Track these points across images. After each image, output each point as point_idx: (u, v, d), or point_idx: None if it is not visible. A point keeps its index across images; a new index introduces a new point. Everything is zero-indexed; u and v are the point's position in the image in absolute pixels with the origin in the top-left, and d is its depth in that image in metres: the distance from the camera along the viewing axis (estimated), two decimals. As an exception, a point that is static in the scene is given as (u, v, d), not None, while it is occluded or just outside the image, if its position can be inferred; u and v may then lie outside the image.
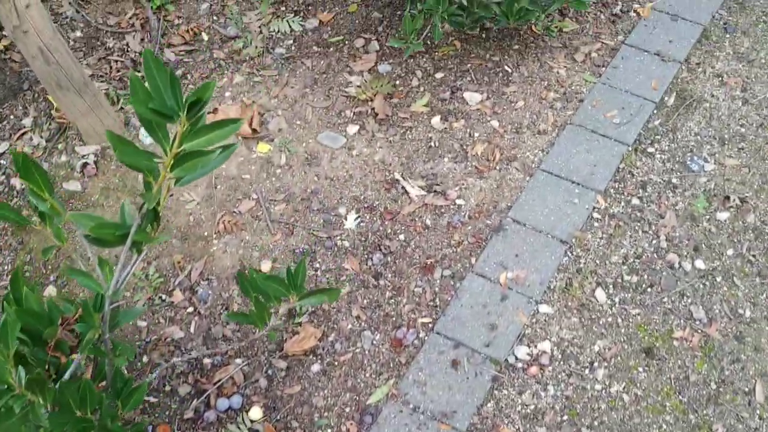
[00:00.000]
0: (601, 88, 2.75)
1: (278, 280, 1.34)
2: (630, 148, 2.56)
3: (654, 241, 2.32)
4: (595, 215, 2.39)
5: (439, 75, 2.83)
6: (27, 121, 2.71)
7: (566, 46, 2.92)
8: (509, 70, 2.84)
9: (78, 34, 3.02)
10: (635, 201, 2.42)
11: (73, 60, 2.30)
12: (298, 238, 2.39)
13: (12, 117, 2.74)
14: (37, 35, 2.14)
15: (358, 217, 2.44)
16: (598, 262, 2.28)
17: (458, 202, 2.46)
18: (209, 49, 2.96)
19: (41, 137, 2.65)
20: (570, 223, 2.36)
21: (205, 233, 2.41)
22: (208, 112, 2.64)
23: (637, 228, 2.36)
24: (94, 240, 1.19)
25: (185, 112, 1.05)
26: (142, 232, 1.18)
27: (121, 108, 2.74)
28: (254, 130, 2.62)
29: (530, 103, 2.73)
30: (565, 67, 2.84)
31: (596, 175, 2.48)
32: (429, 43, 2.92)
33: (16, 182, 2.58)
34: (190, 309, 2.21)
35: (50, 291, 2.29)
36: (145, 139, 2.60)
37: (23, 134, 2.68)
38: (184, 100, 1.04)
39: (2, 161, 2.64)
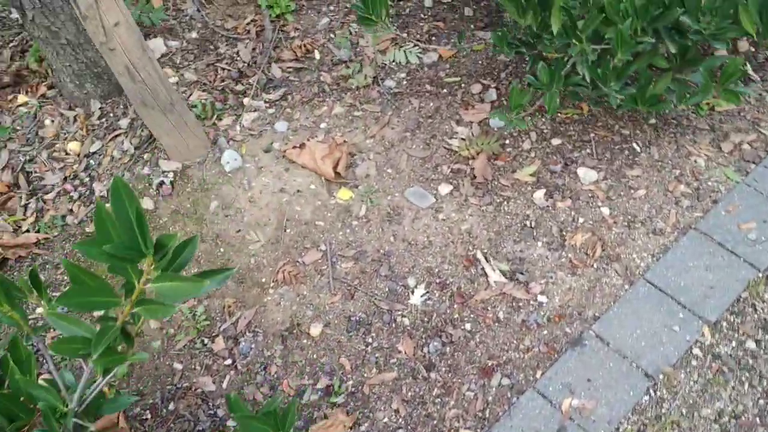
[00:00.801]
0: (743, 190, 2.50)
1: (264, 419, 1.34)
2: (761, 275, 2.31)
3: (762, 401, 2.09)
4: (696, 351, 2.19)
5: (555, 141, 2.70)
6: (124, 122, 2.90)
7: (714, 130, 2.67)
8: (637, 149, 2.65)
9: (194, 35, 3.18)
10: (750, 344, 2.20)
11: (161, 78, 2.42)
12: (357, 304, 2.40)
13: (112, 115, 2.95)
14: (124, 53, 2.27)
15: (427, 292, 2.40)
16: (684, 411, 2.10)
17: (540, 298, 2.35)
18: (318, 70, 3.01)
19: (131, 143, 2.83)
20: (662, 354, 2.18)
21: (263, 280, 2.47)
22: (294, 147, 2.69)
23: (744, 379, 2.14)
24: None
25: (152, 253, 1.05)
26: (110, 353, 1.22)
27: (214, 123, 2.85)
28: (338, 174, 2.63)
29: (653, 194, 2.54)
30: (707, 155, 2.61)
31: (710, 301, 2.27)
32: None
33: (97, 186, 2.77)
34: (228, 361, 2.29)
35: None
36: (227, 165, 2.69)
37: (117, 136, 2.87)
38: (153, 240, 1.05)
39: (91, 161, 2.85)
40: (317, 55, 3.08)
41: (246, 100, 2.94)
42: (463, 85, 2.92)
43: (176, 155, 2.75)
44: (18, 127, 3.04)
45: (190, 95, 2.98)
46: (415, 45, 3.04)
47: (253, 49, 3.13)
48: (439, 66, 3.01)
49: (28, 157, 2.93)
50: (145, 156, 2.83)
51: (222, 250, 2.56)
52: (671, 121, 2.73)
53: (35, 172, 2.89)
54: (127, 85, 2.42)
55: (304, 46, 3.10)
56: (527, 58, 2.55)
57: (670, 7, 2.05)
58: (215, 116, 2.90)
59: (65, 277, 2.60)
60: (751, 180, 2.54)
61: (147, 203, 2.70)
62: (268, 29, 3.14)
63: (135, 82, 2.40)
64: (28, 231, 2.73)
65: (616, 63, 1.98)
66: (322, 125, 2.85)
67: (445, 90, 2.91)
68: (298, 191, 2.67)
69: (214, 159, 2.78)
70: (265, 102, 2.94)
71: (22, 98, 3.12)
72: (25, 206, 2.80)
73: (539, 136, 2.75)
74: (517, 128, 2.74)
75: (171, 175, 2.75)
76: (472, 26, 3.12)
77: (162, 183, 2.71)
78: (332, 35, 3.14)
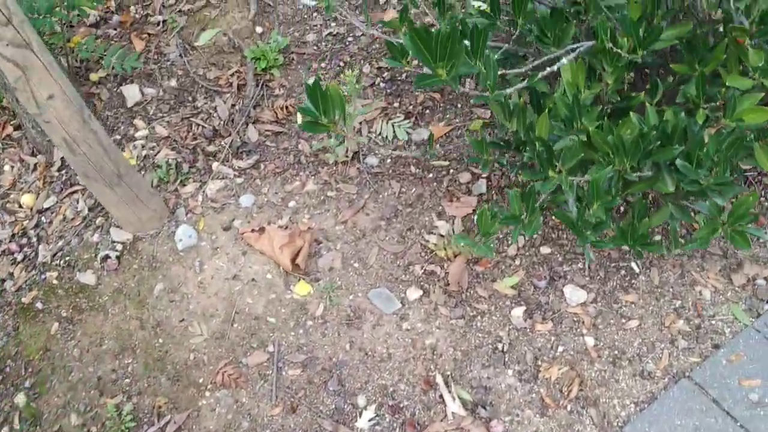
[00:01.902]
0: (751, 336, 2.23)
1: None
2: (757, 446, 2.04)
3: None
4: None
5: (545, 250, 2.46)
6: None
7: (726, 256, 2.40)
8: (636, 269, 2.40)
9: (173, 83, 3.02)
10: None
11: (107, 151, 2.27)
12: (299, 419, 2.21)
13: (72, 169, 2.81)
14: (61, 127, 2.12)
15: (376, 416, 2.21)
16: None
17: (500, 441, 2.12)
18: (297, 136, 2.82)
19: (86, 203, 2.70)
20: None
21: (201, 380, 2.31)
22: (254, 230, 2.51)
23: None
24: None
25: None
26: None
27: (176, 189, 2.69)
28: (296, 266, 2.44)
29: (646, 327, 2.29)
30: (714, 287, 2.34)
31: (693, 471, 2.01)
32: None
33: (43, 250, 2.62)
34: (144, 479, 2.13)
35: (19, 399, 2.31)
36: (179, 242, 2.53)
37: (74, 192, 2.73)
38: None
39: (43, 218, 2.71)
40: (299, 119, 2.89)
41: (215, 165, 2.77)
42: (451, 171, 2.69)
43: (127, 226, 2.60)
44: (-25, 171, 2.93)
45: (158, 153, 2.82)
46: (406, 118, 2.82)
47: (233, 105, 2.95)
48: (428, 145, 2.79)
49: (-22, 208, 2.83)
50: (98, 220, 2.68)
51: (161, 340, 2.40)
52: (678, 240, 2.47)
53: (-18, 227, 2.78)
54: (68, 157, 2.27)
55: (287, 107, 2.91)
56: (515, 159, 2.32)
57: (667, 143, 1.81)
58: (179, 181, 2.74)
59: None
60: (762, 325, 2.27)
61: (89, 278, 2.55)
62: (251, 84, 2.96)
63: (75, 154, 2.25)
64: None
65: (591, 215, 1.74)
66: (291, 203, 2.66)
67: (430, 175, 2.69)
68: (253, 280, 2.49)
69: (169, 233, 2.61)
70: (235, 170, 2.76)
71: (-15, 137, 3.01)
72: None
73: (528, 241, 2.51)
74: (478, 255, 2.51)
75: (120, 247, 2.60)
76: (471, 101, 2.89)
77: (107, 257, 2.56)
78: (319, 97, 2.95)
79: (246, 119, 2.90)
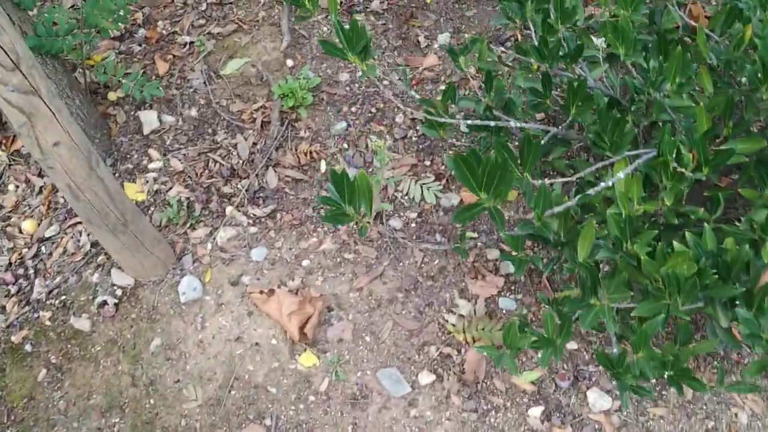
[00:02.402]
0: (788, 472, 2.07)
1: None
2: None
3: None
4: None
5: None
6: (88, 211, 2.63)
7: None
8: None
9: (193, 112, 2.88)
10: None
11: (113, 198, 2.15)
12: (289, 508, 2.08)
13: (78, 197, 2.68)
14: (66, 173, 1.99)
15: None
16: None
17: None
18: (319, 186, 2.68)
19: (89, 238, 2.56)
20: None
21: (190, 453, 2.17)
22: (262, 291, 2.37)
23: None
24: None
25: None
26: None
27: (186, 233, 2.56)
28: (304, 335, 2.31)
29: (674, 447, 2.13)
30: (752, 410, 2.18)
31: None
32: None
33: (38, 285, 2.50)
34: None
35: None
36: (183, 295, 2.40)
37: (78, 223, 2.60)
38: None
39: (43, 248, 2.59)
40: (322, 167, 2.75)
41: (229, 210, 2.64)
42: (479, 245, 2.55)
43: (129, 271, 2.48)
44: (-22, 186, 2.81)
45: (170, 189, 2.69)
46: (436, 179, 2.67)
47: (254, 143, 2.82)
48: (459, 211, 2.64)
49: (-21, 227, 2.71)
50: (99, 258, 2.56)
51: (152, 401, 2.28)
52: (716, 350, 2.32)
53: (-18, 246, 2.66)
54: (71, 202, 2.15)
55: (311, 152, 2.77)
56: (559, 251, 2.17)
57: (726, 276, 1.65)
58: (189, 224, 2.60)
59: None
60: (801, 460, 2.12)
61: (83, 323, 2.43)
62: (275, 123, 2.82)
63: (78, 201, 2.12)
64: (-48, 323, 2.51)
65: (636, 365, 1.59)
66: (305, 262, 2.52)
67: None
68: (256, 345, 2.36)
69: (173, 282, 2.49)
70: (249, 217, 2.63)
71: (-8, 151, 2.89)
72: (-42, 290, 2.58)
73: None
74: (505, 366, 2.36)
75: (119, 293, 2.48)
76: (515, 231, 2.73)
77: (105, 303, 2.43)
78: (346, 145, 2.80)
79: (267, 161, 2.77)
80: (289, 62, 3.04)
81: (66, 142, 2.00)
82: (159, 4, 3.32)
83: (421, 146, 2.80)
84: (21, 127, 1.91)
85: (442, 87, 2.93)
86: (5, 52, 1.72)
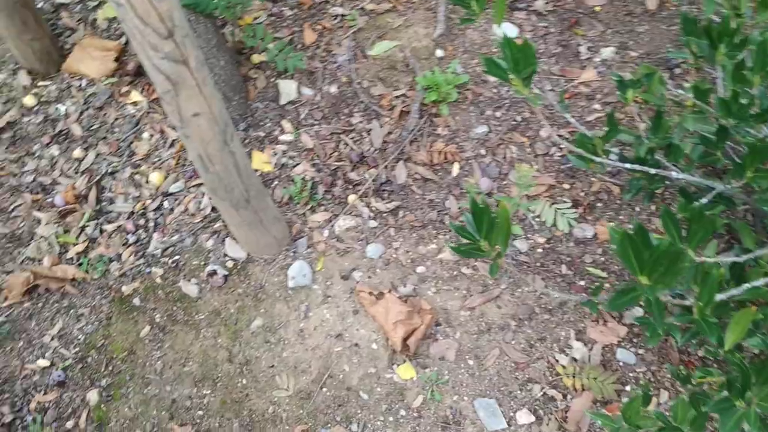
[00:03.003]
0: None
1: None
2: None
3: None
4: None
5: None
6: (214, 174, 2.65)
7: None
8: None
9: (332, 89, 2.84)
10: None
11: (241, 174, 2.14)
12: None
13: (207, 158, 2.70)
14: (200, 144, 1.98)
15: None
16: None
17: None
18: (448, 190, 2.58)
19: (210, 200, 2.57)
20: None
21: (272, 442, 2.17)
22: (371, 293, 2.32)
23: None
24: None
25: None
26: None
27: (304, 214, 2.53)
28: (406, 347, 2.24)
29: None
30: None
31: None
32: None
33: (156, 239, 2.54)
34: None
35: (92, 396, 2.27)
36: (291, 280, 2.37)
37: (202, 184, 2.62)
38: None
39: (166, 203, 2.62)
40: (455, 170, 2.65)
41: (352, 198, 2.59)
42: (606, 286, 2.39)
43: (244, 245, 2.48)
44: (116, 129, 2.88)
45: (297, 165, 2.67)
46: (573, 205, 2.52)
47: (389, 132, 2.74)
48: (590, 246, 2.48)
49: (110, 169, 2.78)
50: (217, 224, 2.57)
51: (244, 381, 2.29)
52: None
53: (110, 189, 2.73)
54: (200, 172, 2.15)
55: (446, 152, 2.67)
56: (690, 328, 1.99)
57: None
58: (310, 206, 2.57)
59: (82, 334, 2.44)
60: None
61: (191, 289, 2.46)
62: (414, 115, 2.74)
63: (208, 172, 2.12)
64: (71, 261, 2.59)
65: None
66: (420, 269, 2.44)
67: (582, 282, 2.40)
68: (356, 345, 2.32)
69: (284, 264, 2.47)
70: (371, 210, 2.57)
71: (135, 95, 2.95)
72: (82, 229, 2.65)
73: (673, 394, 2.20)
74: (648, 377, 2.20)
75: (230, 264, 2.49)
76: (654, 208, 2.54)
77: (215, 272, 2.45)
78: (483, 151, 2.68)
79: (399, 154, 2.69)
80: (439, 52, 2.94)
81: (206, 113, 1.99)
82: (317, -31, 3.29)
83: (562, 166, 2.65)
84: (165, 93, 1.92)
85: (596, 106, 2.76)
86: (161, 20, 1.72)
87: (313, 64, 2.95)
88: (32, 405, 2.36)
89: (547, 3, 3.05)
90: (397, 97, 2.85)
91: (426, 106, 2.81)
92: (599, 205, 2.57)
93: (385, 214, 2.60)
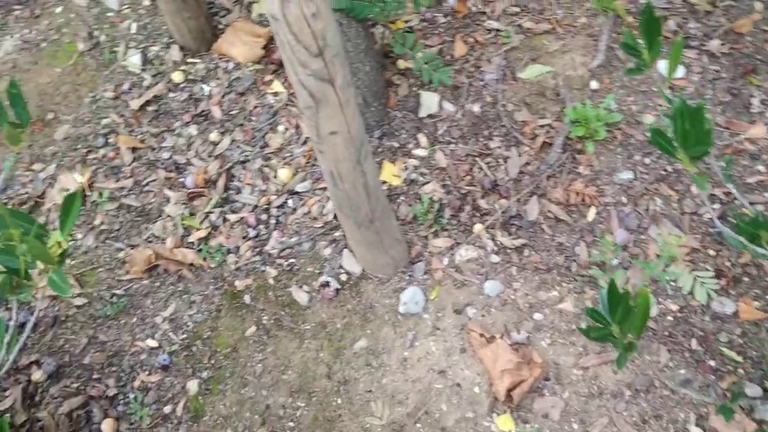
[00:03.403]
0: None
1: None
2: None
3: None
4: None
5: None
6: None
7: None
8: None
9: (475, 108, 2.74)
10: None
11: (370, 195, 2.10)
12: None
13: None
14: (333, 161, 1.95)
15: None
16: None
17: None
18: (580, 237, 2.44)
19: (333, 207, 2.53)
20: None
21: (358, 470, 2.14)
22: (482, 335, 2.23)
23: None
24: None
25: None
26: None
27: (426, 237, 2.46)
28: (509, 398, 2.14)
29: None
30: None
31: None
32: None
33: (274, 239, 2.54)
34: None
35: (191, 386, 2.30)
36: (402, 305, 2.32)
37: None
38: None
39: (290, 201, 2.62)
40: (590, 215, 2.49)
41: (477, 227, 2.50)
42: (739, 370, 2.19)
43: (360, 261, 2.44)
44: (254, 117, 2.90)
45: (426, 183, 2.60)
46: (716, 276, 2.32)
47: (527, 163, 2.62)
48: (728, 324, 2.27)
49: (243, 158, 2.80)
50: (337, 234, 2.55)
51: (339, 401, 2.26)
52: None
53: (239, 179, 2.76)
54: (329, 186, 2.13)
55: (584, 194, 2.52)
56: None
57: None
58: (433, 229, 2.50)
59: (191, 322, 2.49)
60: None
61: (302, 296, 2.45)
62: (557, 149, 2.60)
63: (336, 188, 2.09)
64: (191, 245, 2.64)
65: None
66: (537, 316, 2.33)
67: (712, 363, 2.21)
68: (458, 385, 2.24)
69: (397, 287, 2.42)
70: (496, 244, 2.47)
71: (276, 85, 2.96)
72: (207, 215, 2.70)
73: None
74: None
75: (344, 277, 2.46)
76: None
77: (327, 284, 2.43)
78: (624, 199, 2.51)
79: (533, 188, 2.57)
80: (594, 84, 2.77)
81: (343, 133, 1.95)
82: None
83: (710, 230, 2.45)
84: (306, 109, 1.89)
85: (760, 167, 2.51)
86: (314, 38, 1.68)
87: (458, 79, 2.86)
88: (136, 383, 2.44)
89: (722, 44, 2.81)
90: (541, 126, 2.72)
91: (570, 140, 2.66)
92: (746, 279, 2.35)
93: (509, 251, 2.49)
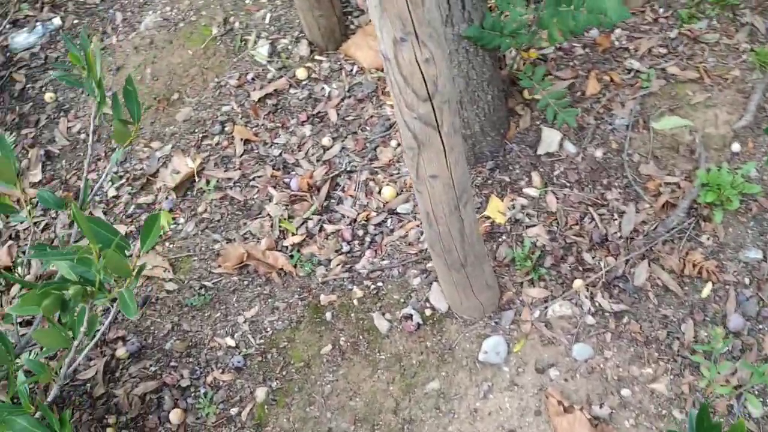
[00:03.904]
0: None
1: None
2: None
3: None
4: None
5: None
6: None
7: None
8: None
9: (597, 153, 2.59)
10: None
11: (464, 240, 2.02)
12: None
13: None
14: (430, 203, 1.89)
15: None
16: None
17: None
18: (690, 310, 2.24)
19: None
20: None
21: None
22: (560, 402, 2.09)
23: None
24: None
25: None
26: None
27: (522, 284, 2.33)
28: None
29: None
30: None
31: None
32: None
33: (364, 259, 2.50)
34: None
35: (259, 394, 2.30)
36: (482, 353, 2.21)
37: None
38: None
39: (389, 221, 2.56)
40: (705, 291, 2.29)
41: (577, 283, 2.35)
42: None
43: (448, 299, 2.36)
44: (368, 127, 2.85)
45: (531, 227, 2.47)
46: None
47: (644, 222, 2.44)
48: None
49: (350, 168, 2.77)
50: (430, 264, 2.47)
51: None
52: None
53: (342, 188, 2.73)
54: (424, 225, 2.05)
55: (703, 267, 2.32)
56: None
57: None
58: (530, 277, 2.37)
59: (271, 328, 2.49)
60: None
61: (382, 324, 2.40)
62: (679, 213, 2.40)
63: (430, 228, 2.02)
64: (285, 249, 2.64)
65: None
66: (624, 392, 2.17)
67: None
68: (525, 450, 2.13)
69: (481, 332, 2.32)
70: (594, 304, 2.32)
71: (396, 97, 2.90)
72: (305, 221, 2.69)
73: None
74: None
75: (428, 312, 2.39)
76: None
77: (410, 317, 2.36)
78: (747, 280, 2.29)
79: (646, 251, 2.39)
80: (736, 146, 2.54)
81: (444, 178, 1.87)
82: (632, 8, 2.97)
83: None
84: (408, 149, 1.82)
85: None
86: (424, 83, 1.60)
87: (585, 119, 2.69)
88: (209, 378, 2.48)
89: None
90: (667, 183, 2.52)
91: (698, 205, 2.45)
92: None
93: (607, 314, 2.33)
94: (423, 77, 1.61)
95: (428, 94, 1.65)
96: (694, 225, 2.44)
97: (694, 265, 2.38)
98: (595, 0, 2.14)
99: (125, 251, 1.59)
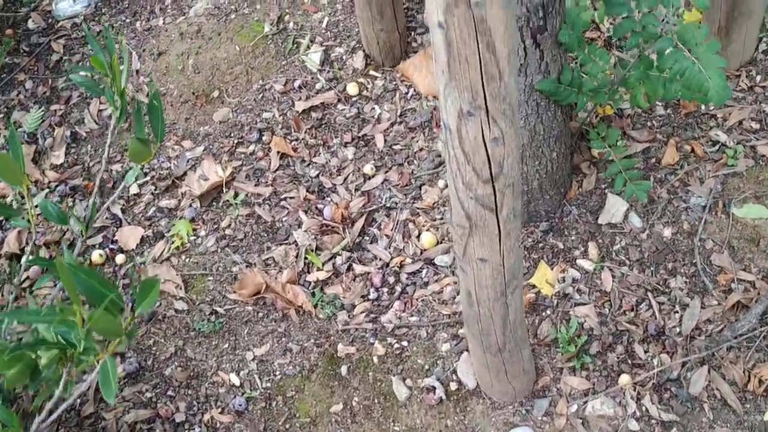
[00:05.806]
0: None
1: None
2: None
3: None
4: None
5: None
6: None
7: None
8: None
9: (665, 232, 2.33)
10: None
11: (504, 325, 1.80)
12: None
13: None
14: (474, 284, 1.68)
15: None
16: None
17: None
18: (749, 431, 1.99)
19: (467, 304, 2.24)
20: None
21: None
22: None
23: None
24: None
25: None
26: None
27: (561, 370, 2.10)
28: None
29: None
30: None
31: None
32: None
33: (390, 313, 2.28)
34: None
35: None
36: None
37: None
38: None
39: (426, 270, 2.34)
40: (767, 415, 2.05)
41: (624, 379, 2.11)
42: None
43: (478, 378, 2.13)
44: (415, 161, 2.63)
45: (580, 305, 2.23)
46: None
47: (708, 320, 2.18)
48: None
49: (390, 203, 2.56)
50: (463, 330, 2.24)
51: None
52: None
53: (378, 226, 2.52)
54: (463, 302, 1.83)
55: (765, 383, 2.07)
56: None
57: None
58: (573, 363, 2.14)
59: (280, 372, 2.29)
60: None
61: (401, 390, 2.18)
62: (751, 319, 2.13)
63: (471, 307, 1.80)
64: (307, 285, 2.43)
65: None
66: None
67: None
68: None
69: (510, 419, 2.09)
70: (640, 408, 2.07)
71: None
72: (334, 256, 2.48)
73: None
74: None
75: (453, 387, 2.17)
76: None
77: (432, 389, 2.14)
78: (818, 408, 2.04)
79: (707, 355, 2.14)
80: (823, 250, 2.28)
81: (494, 263, 1.65)
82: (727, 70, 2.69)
83: None
84: (458, 227, 1.60)
85: None
86: (487, 163, 1.37)
87: (657, 191, 2.43)
88: (206, 416, 2.28)
89: None
90: (741, 280, 2.26)
91: (772, 310, 2.21)
92: None
93: (653, 422, 2.09)
94: (488, 157, 1.37)
95: (491, 175, 1.41)
96: (766, 334, 2.19)
97: (760, 381, 2.11)
98: (697, 76, 1.88)
99: (118, 310, 1.40)
